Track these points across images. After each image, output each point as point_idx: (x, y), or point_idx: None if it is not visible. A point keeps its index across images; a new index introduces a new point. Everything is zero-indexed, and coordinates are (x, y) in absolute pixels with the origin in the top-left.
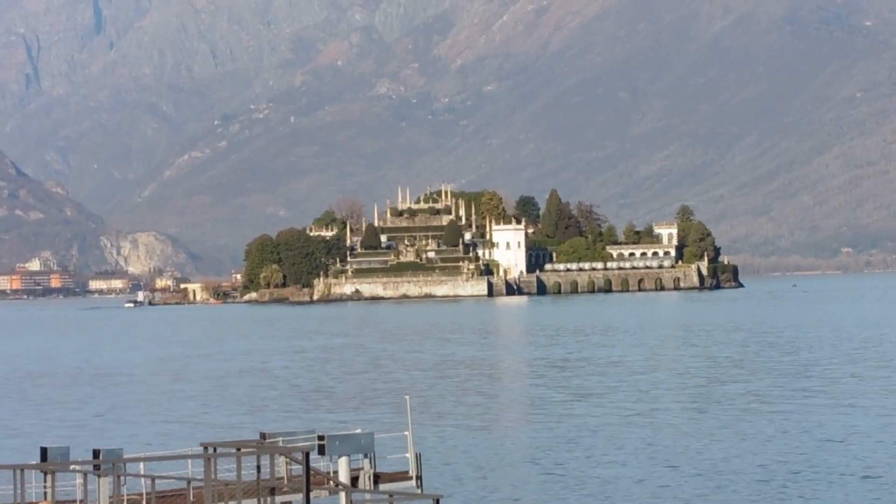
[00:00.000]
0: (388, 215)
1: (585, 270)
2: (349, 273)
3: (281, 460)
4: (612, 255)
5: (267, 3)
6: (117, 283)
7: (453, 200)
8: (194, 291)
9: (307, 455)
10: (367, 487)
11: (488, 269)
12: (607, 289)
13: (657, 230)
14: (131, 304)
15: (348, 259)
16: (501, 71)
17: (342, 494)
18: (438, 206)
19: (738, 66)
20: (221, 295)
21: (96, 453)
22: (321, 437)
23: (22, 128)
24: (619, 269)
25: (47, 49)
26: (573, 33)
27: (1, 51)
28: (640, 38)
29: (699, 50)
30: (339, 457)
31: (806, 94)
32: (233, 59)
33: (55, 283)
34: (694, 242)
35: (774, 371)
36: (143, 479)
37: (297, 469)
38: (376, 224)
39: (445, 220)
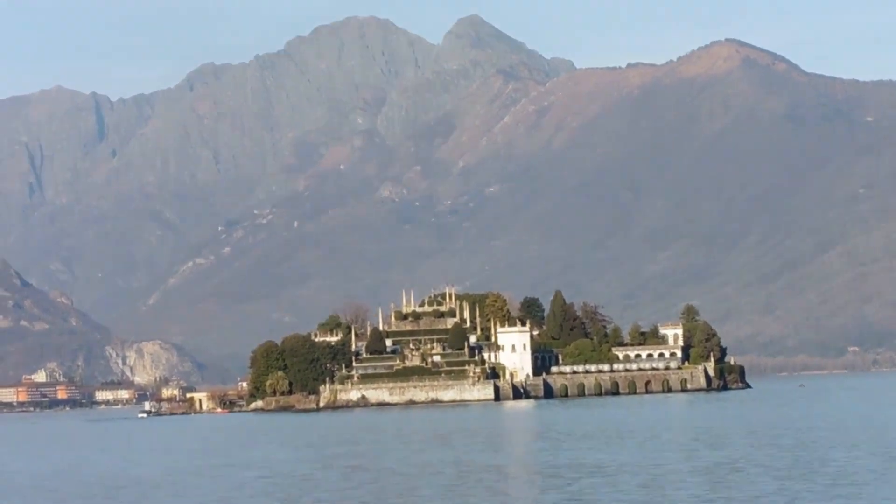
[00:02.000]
0: (393, 319)
1: (592, 373)
2: (355, 379)
3: None
4: (618, 357)
5: (269, 108)
6: (123, 394)
7: (458, 303)
8: (200, 401)
9: None
10: None
11: (494, 373)
12: (614, 391)
13: (662, 331)
14: (144, 415)
15: (354, 364)
16: (504, 172)
17: None
18: (443, 308)
19: (740, 164)
20: (228, 404)
21: None
22: None
23: (26, 238)
24: (626, 370)
25: (50, 158)
26: (574, 133)
27: (4, 161)
28: (641, 137)
29: (701, 148)
30: None
31: (808, 191)
32: (236, 164)
33: (61, 394)
34: (700, 343)
35: (784, 473)
36: None
37: None
38: (381, 328)
39: (450, 322)
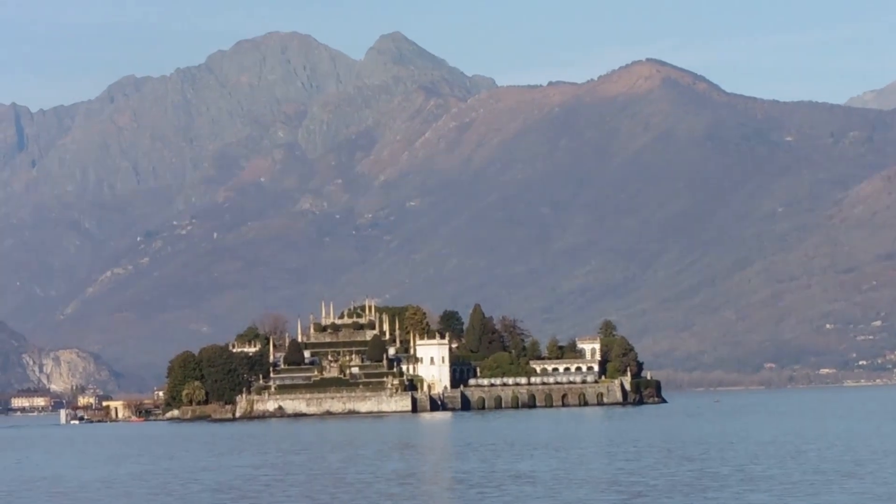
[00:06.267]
0: (312, 331)
1: (509, 385)
2: (272, 389)
3: None
4: (535, 370)
5: (189, 121)
6: (39, 401)
7: (377, 315)
8: (116, 409)
9: None
10: None
11: (412, 385)
12: (531, 404)
13: (580, 345)
14: (77, 422)
15: (271, 375)
16: (424, 187)
17: None
18: (362, 321)
19: (659, 182)
20: (143, 413)
21: None
22: None
23: None
24: (543, 384)
25: None
26: (495, 150)
27: None
28: (561, 155)
29: (620, 166)
30: None
31: (727, 210)
32: (155, 175)
33: None
34: (617, 357)
35: (696, 485)
36: None
37: None
38: (300, 340)
39: (369, 335)
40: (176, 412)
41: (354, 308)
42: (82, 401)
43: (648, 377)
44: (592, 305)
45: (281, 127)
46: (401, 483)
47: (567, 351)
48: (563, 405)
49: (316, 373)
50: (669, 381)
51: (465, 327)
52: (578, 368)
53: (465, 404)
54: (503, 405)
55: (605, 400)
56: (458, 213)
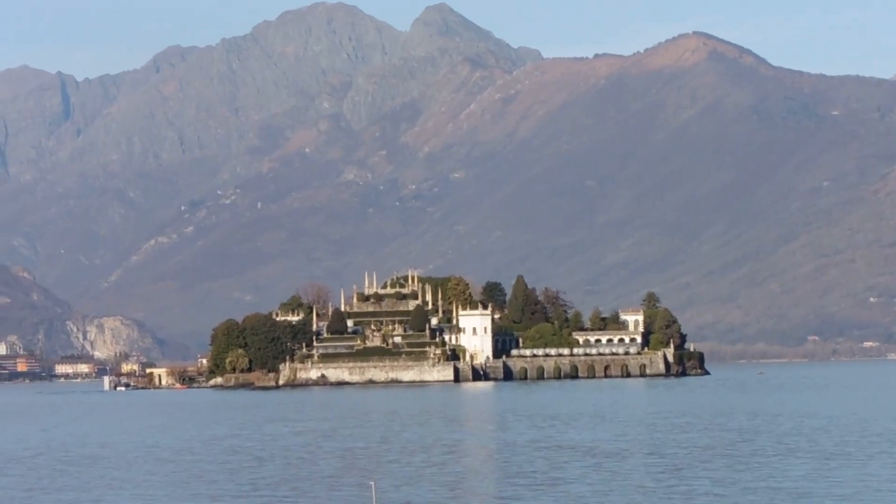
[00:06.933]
0: (355, 300)
1: (552, 356)
2: (315, 358)
3: None
4: (578, 341)
5: (235, 91)
6: (83, 368)
7: (420, 286)
8: (160, 376)
9: None
10: None
11: (455, 355)
12: (573, 375)
13: (623, 317)
14: (123, 388)
15: (314, 344)
16: (469, 158)
17: None
18: (405, 291)
19: (705, 156)
20: (187, 380)
21: None
22: None
23: None
24: (586, 355)
25: (15, 135)
26: (540, 122)
27: None
28: (606, 127)
29: (666, 139)
30: None
31: (772, 184)
32: (200, 145)
33: (21, 367)
34: (660, 329)
35: (739, 457)
36: None
37: None
38: (343, 309)
39: (412, 305)
40: (219, 379)
41: (397, 278)
42: (126, 368)
43: (692, 349)
44: (636, 278)
45: (326, 98)
46: (444, 452)
47: (610, 322)
48: (606, 376)
49: (359, 342)
50: (713, 354)
51: (507, 298)
52: (621, 340)
53: (508, 374)
54: (545, 376)
55: (647, 371)
56: (502, 185)
